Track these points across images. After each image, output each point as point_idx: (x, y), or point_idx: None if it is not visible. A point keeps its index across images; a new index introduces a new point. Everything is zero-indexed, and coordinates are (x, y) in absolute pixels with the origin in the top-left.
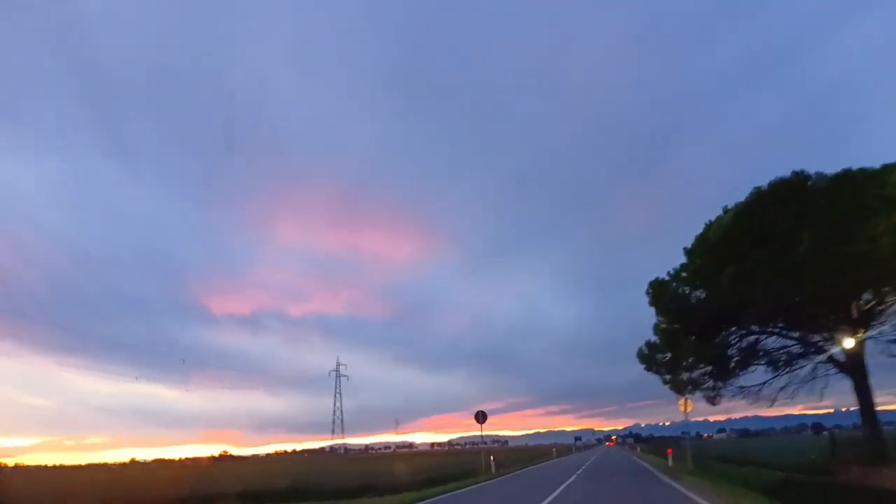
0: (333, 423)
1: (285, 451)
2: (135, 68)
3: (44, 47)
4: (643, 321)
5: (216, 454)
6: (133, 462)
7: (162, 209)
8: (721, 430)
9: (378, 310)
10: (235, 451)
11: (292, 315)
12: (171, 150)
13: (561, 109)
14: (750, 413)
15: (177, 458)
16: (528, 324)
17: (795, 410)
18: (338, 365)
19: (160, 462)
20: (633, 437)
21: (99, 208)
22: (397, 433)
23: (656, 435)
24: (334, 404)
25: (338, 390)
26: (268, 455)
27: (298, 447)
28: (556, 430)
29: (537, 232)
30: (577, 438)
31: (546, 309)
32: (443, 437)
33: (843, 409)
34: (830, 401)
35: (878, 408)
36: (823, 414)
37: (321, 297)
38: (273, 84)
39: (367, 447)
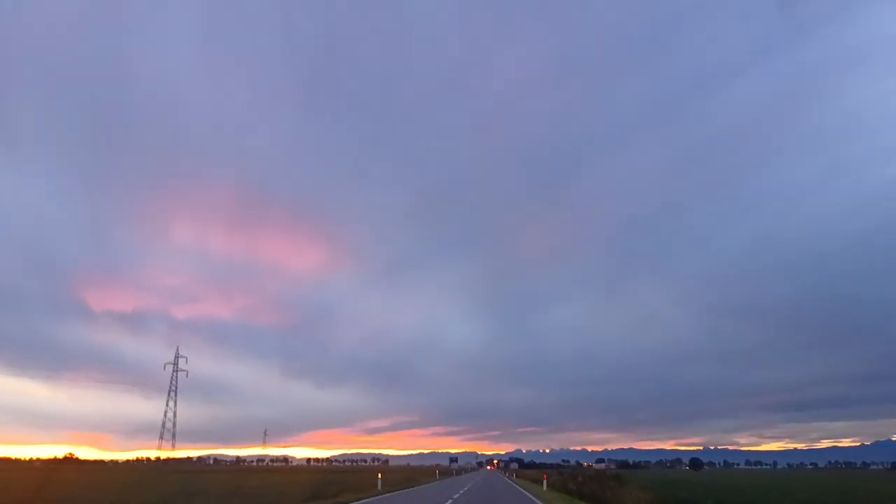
0: (163, 427)
1: (148, 459)
2: (22, 51)
3: None
4: (538, 346)
5: (60, 457)
6: None
7: (43, 199)
8: (600, 461)
9: (272, 318)
10: (98, 454)
11: (177, 317)
12: (60, 139)
13: (471, 129)
14: (625, 445)
15: (25, 459)
16: (426, 342)
17: (666, 445)
18: (176, 357)
19: (3, 462)
20: (517, 463)
21: None
22: (264, 446)
23: (537, 462)
24: (167, 403)
25: (173, 387)
26: (126, 462)
27: (164, 455)
28: (440, 451)
29: (440, 249)
30: (453, 460)
31: (444, 328)
32: (324, 454)
33: (712, 447)
34: (702, 438)
35: None
36: (692, 450)
37: (212, 301)
38: (175, 78)
39: (239, 459)
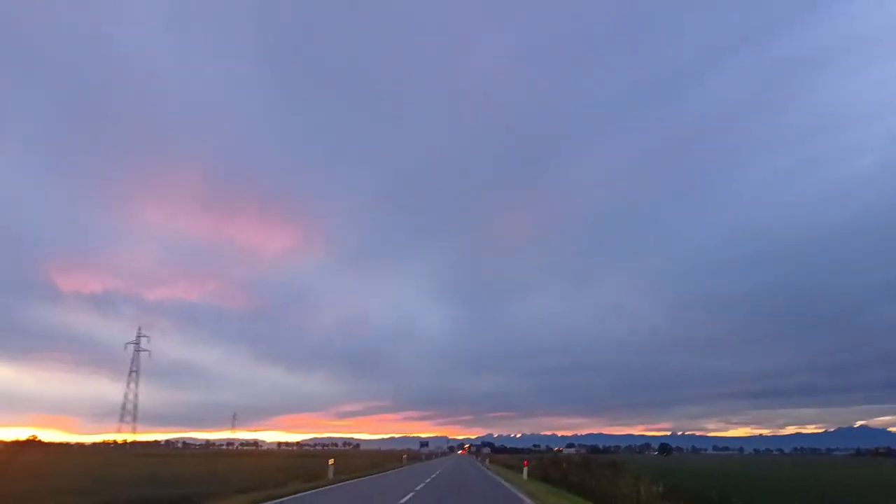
0: (123, 408)
1: (115, 442)
2: None
3: None
4: (510, 333)
5: (23, 440)
6: None
7: (12, 180)
8: (570, 445)
9: (243, 302)
10: (65, 437)
11: (148, 299)
12: (29, 119)
13: (446, 115)
14: (595, 430)
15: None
16: (399, 328)
17: (635, 431)
18: (138, 336)
19: None
20: (489, 447)
21: None
22: (233, 430)
23: (508, 446)
24: (128, 384)
25: (134, 367)
26: (93, 445)
27: (131, 438)
28: (411, 435)
29: (414, 235)
30: (424, 444)
31: (416, 313)
32: (295, 437)
33: (680, 433)
34: (671, 423)
35: None
36: (661, 436)
37: (183, 284)
38: (147, 60)
39: (208, 442)
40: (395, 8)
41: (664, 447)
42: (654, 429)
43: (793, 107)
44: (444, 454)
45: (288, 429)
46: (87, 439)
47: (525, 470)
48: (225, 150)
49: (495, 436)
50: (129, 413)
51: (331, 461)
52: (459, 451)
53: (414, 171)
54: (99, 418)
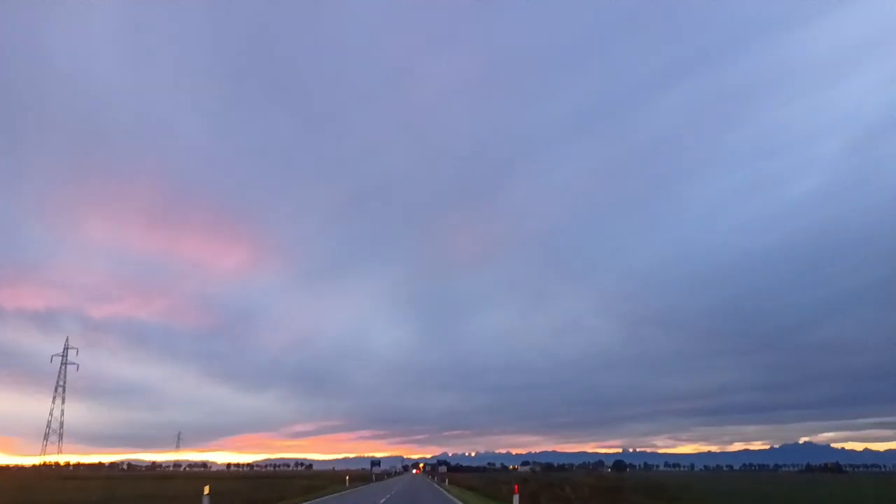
0: (48, 428)
1: (57, 464)
2: None
3: None
4: (464, 351)
5: None
6: None
7: None
8: (525, 463)
9: (194, 320)
10: (8, 459)
11: (93, 316)
12: None
13: (401, 132)
14: (548, 448)
15: None
16: (353, 346)
17: (588, 448)
18: (65, 349)
19: None
20: (446, 465)
21: None
22: (177, 451)
23: (464, 465)
24: (53, 401)
25: (61, 381)
26: (33, 466)
27: (87, 459)
28: (366, 455)
29: (368, 253)
30: (375, 463)
31: (371, 332)
32: (247, 458)
33: (631, 450)
34: (621, 441)
35: None
36: (613, 453)
37: (130, 300)
38: (94, 67)
39: (154, 464)
40: (348, 25)
41: (619, 464)
42: (605, 446)
43: (737, 130)
44: (398, 474)
45: (239, 449)
46: (28, 461)
47: (516, 499)
48: (176, 164)
49: (451, 454)
50: (54, 432)
51: (206, 490)
52: (414, 471)
53: (367, 188)
54: (38, 439)
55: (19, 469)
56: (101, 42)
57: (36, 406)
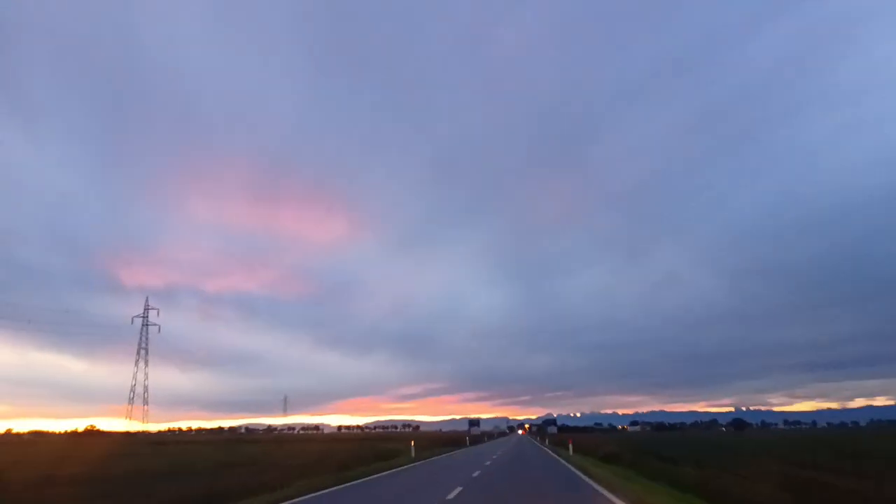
0: (132, 391)
1: (180, 429)
2: (38, 24)
3: None
4: (562, 310)
5: (81, 430)
6: (8, 433)
7: (66, 176)
8: (634, 423)
9: (297, 290)
10: (136, 426)
11: (208, 291)
12: (77, 116)
13: (484, 92)
14: (655, 408)
15: (56, 432)
16: (450, 309)
17: (698, 407)
18: (146, 309)
19: (35, 435)
20: (555, 425)
21: None
22: (285, 415)
23: (569, 425)
24: (137, 363)
25: (144, 344)
26: (158, 432)
27: (208, 424)
28: (471, 416)
29: (459, 216)
30: (474, 424)
31: (468, 295)
32: (359, 420)
33: (744, 408)
34: (732, 399)
35: None
36: (725, 412)
37: (238, 274)
38: (188, 55)
39: (270, 428)
40: None
41: (739, 423)
42: (716, 405)
43: (840, 66)
44: (501, 435)
45: (351, 412)
46: (153, 427)
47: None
48: (270, 142)
49: (555, 415)
50: (139, 396)
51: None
52: (520, 432)
53: (454, 152)
54: (168, 407)
55: (145, 434)
56: (191, 27)
57: (160, 377)
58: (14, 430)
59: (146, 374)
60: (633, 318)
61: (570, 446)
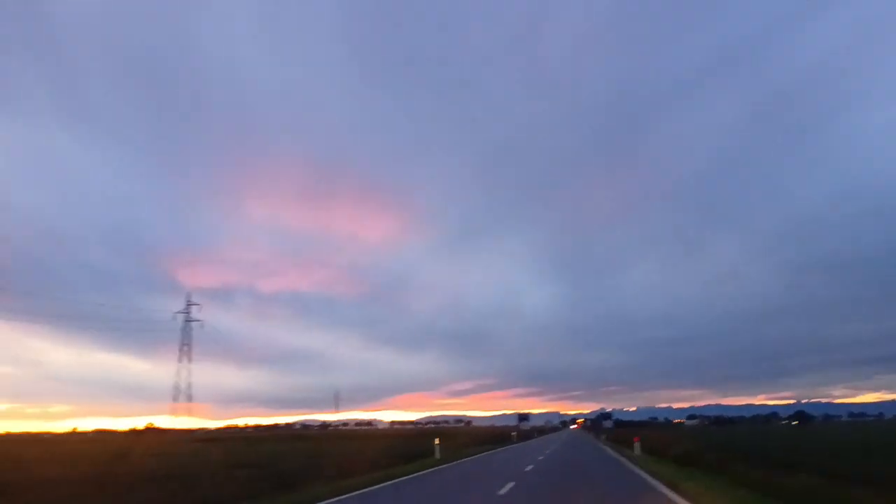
0: (177, 388)
1: (237, 426)
2: (95, 31)
3: None
4: (615, 305)
5: (141, 427)
6: (73, 432)
7: (123, 179)
8: (692, 417)
9: (350, 288)
10: (202, 423)
11: (263, 291)
12: (135, 120)
13: (534, 87)
14: (712, 402)
15: (117, 430)
16: (500, 305)
17: (756, 401)
18: (188, 304)
19: (98, 433)
20: (611, 419)
21: (58, 176)
22: (336, 411)
23: (624, 420)
24: (180, 359)
25: (186, 340)
26: (217, 429)
27: (265, 421)
28: (522, 412)
29: (510, 212)
30: (523, 418)
31: (520, 290)
32: (411, 416)
33: (805, 401)
34: (792, 392)
35: None
36: (785, 405)
37: (292, 274)
38: (240, 53)
39: (325, 424)
40: None
41: (802, 416)
42: (775, 398)
43: None
44: (553, 430)
45: (404, 408)
46: (211, 424)
47: None
48: (321, 142)
49: (609, 409)
50: (182, 393)
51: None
52: (573, 426)
53: (504, 149)
54: (226, 404)
55: (204, 431)
56: (245, 35)
57: (217, 375)
58: (78, 429)
59: (189, 371)
60: (690, 312)
61: (637, 445)
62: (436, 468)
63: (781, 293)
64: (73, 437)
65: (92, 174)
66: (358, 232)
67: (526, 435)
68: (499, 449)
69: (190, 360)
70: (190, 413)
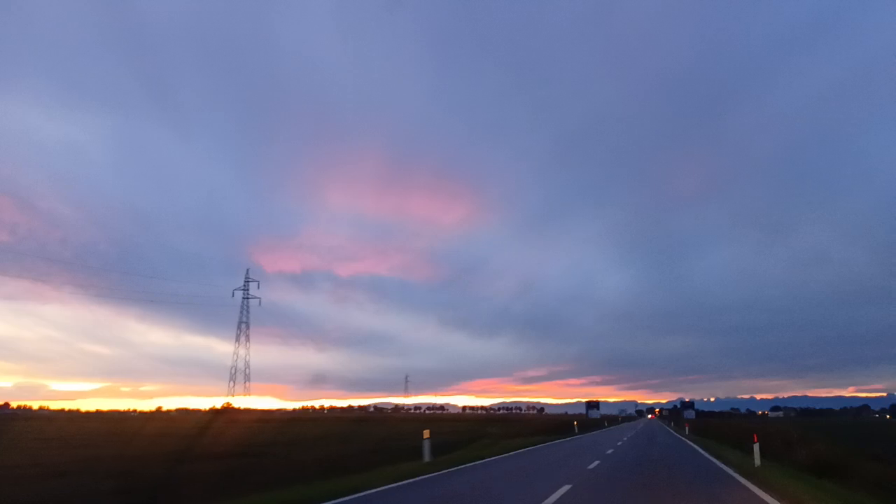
0: (234, 369)
1: (313, 407)
2: (184, 29)
3: (94, 10)
4: (695, 291)
5: (218, 407)
6: (158, 410)
7: (213, 170)
8: (776, 408)
9: (426, 273)
10: (280, 404)
11: (341, 275)
12: (221, 112)
13: (610, 68)
14: (797, 393)
15: (199, 409)
16: (576, 290)
17: (846, 392)
18: (247, 281)
19: (181, 412)
20: (693, 410)
21: (150, 166)
22: (406, 395)
23: (703, 410)
24: (237, 339)
25: (244, 318)
26: (294, 410)
27: (340, 403)
28: (592, 399)
29: (586, 195)
30: (592, 406)
31: (594, 276)
32: (484, 402)
33: None
34: (884, 384)
35: None
36: (877, 397)
37: (370, 259)
38: (320, 49)
39: (397, 407)
40: None
41: None
42: (866, 390)
43: None
44: (627, 419)
45: (477, 393)
46: (289, 405)
47: None
48: (397, 130)
49: (687, 400)
50: (240, 372)
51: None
52: (650, 416)
53: (580, 130)
54: (307, 385)
55: (291, 412)
56: (321, 27)
57: (299, 357)
58: (164, 408)
59: (248, 350)
60: (775, 298)
61: (757, 450)
62: (414, 480)
63: (875, 277)
64: (158, 415)
65: (182, 165)
66: (434, 217)
67: (596, 424)
68: (551, 443)
69: (248, 338)
70: (247, 391)
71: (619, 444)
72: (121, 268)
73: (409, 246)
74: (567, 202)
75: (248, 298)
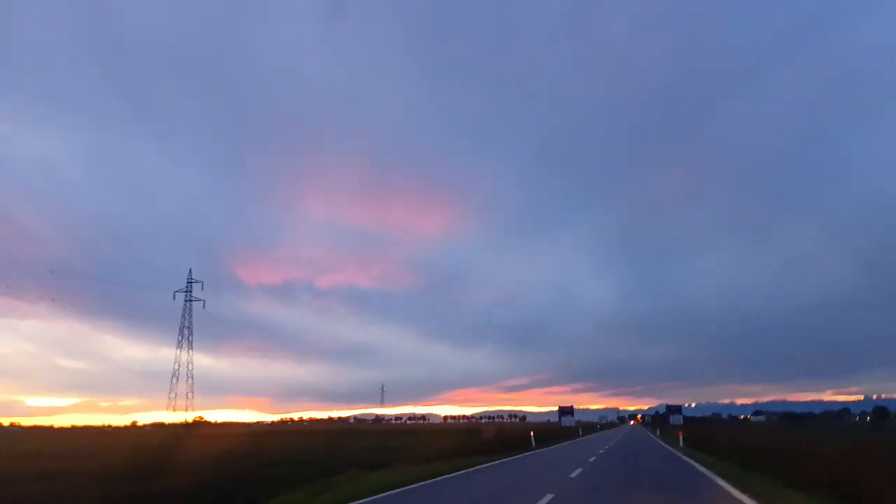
0: (175, 374)
1: (292, 420)
2: (160, 39)
3: (72, 22)
4: (678, 298)
5: (190, 421)
6: (133, 426)
7: (190, 181)
8: (758, 412)
9: (407, 283)
10: (263, 417)
11: (321, 286)
12: (198, 123)
13: (590, 75)
14: (777, 397)
15: (172, 423)
16: (558, 299)
17: (825, 396)
18: (189, 283)
19: (156, 426)
20: (679, 414)
21: (126, 177)
22: (387, 406)
23: (685, 416)
24: (179, 346)
25: (187, 322)
26: (273, 423)
27: (320, 415)
28: (580, 407)
29: (568, 203)
30: (565, 412)
31: (576, 284)
32: (467, 411)
33: (875, 397)
34: (861, 387)
35: None
36: (855, 401)
37: (350, 269)
38: (298, 56)
39: (378, 417)
40: None
41: (881, 412)
42: (844, 393)
43: None
44: (608, 426)
45: (459, 403)
46: (269, 418)
47: None
48: (378, 140)
49: (672, 404)
50: (182, 380)
51: None
52: (632, 422)
53: (560, 139)
54: (287, 397)
55: (269, 424)
56: (302, 34)
57: (280, 369)
58: (139, 423)
59: (189, 356)
60: (756, 304)
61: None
62: None
63: (854, 282)
64: (132, 430)
65: (159, 177)
66: (415, 227)
67: (566, 434)
68: (469, 469)
69: (191, 344)
70: (189, 404)
71: (580, 471)
72: (98, 282)
73: (390, 255)
74: (549, 210)
75: (190, 301)
